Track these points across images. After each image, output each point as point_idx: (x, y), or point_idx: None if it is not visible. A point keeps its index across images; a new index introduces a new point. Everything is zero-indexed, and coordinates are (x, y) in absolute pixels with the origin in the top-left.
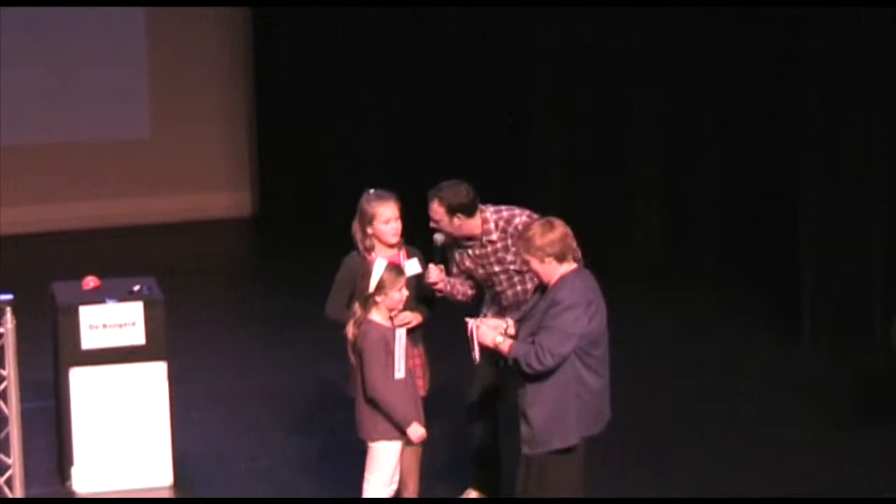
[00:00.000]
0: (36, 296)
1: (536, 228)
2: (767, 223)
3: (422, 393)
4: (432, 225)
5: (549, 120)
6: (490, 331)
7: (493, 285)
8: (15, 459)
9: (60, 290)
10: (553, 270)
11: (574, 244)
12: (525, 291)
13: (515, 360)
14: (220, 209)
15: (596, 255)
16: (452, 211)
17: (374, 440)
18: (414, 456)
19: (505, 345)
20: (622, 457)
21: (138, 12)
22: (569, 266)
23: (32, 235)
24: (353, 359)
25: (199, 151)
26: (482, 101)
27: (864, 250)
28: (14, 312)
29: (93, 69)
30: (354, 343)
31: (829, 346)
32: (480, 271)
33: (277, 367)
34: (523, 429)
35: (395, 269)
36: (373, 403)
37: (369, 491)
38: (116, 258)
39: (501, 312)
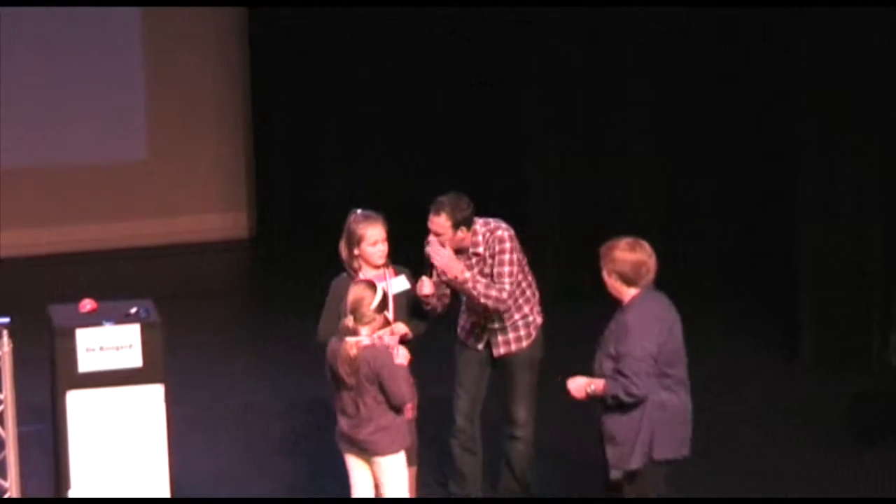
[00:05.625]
0: (32, 319)
1: (621, 242)
2: (765, 243)
3: (409, 416)
4: (432, 238)
5: (544, 130)
6: (580, 383)
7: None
8: (12, 483)
9: (57, 312)
10: (617, 289)
11: (648, 274)
12: (500, 300)
13: (614, 397)
14: (216, 231)
15: (593, 276)
16: (457, 225)
17: (393, 452)
18: (410, 475)
19: (598, 387)
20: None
21: (135, 35)
22: (636, 290)
23: (29, 258)
24: (349, 379)
25: (196, 173)
26: (481, 123)
27: (861, 270)
28: (11, 335)
29: (89, 92)
30: (354, 360)
31: (826, 367)
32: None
33: (275, 388)
34: (608, 451)
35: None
36: (396, 412)
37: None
38: (113, 281)
39: (478, 321)
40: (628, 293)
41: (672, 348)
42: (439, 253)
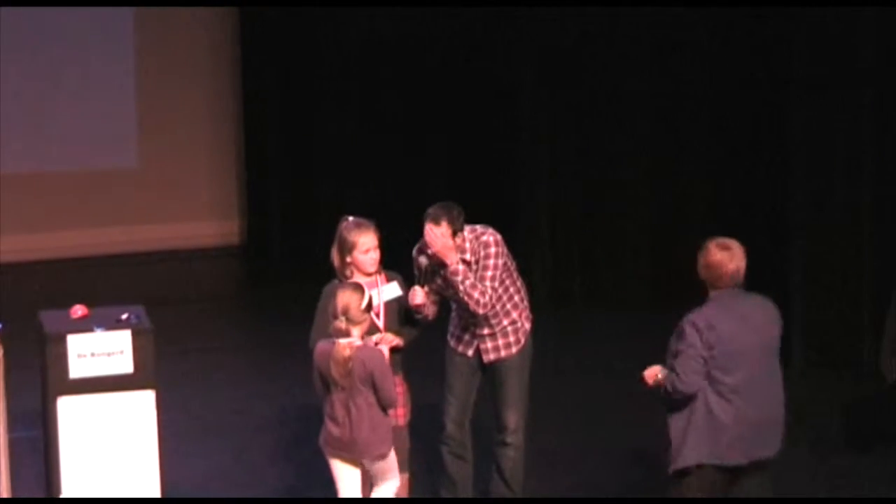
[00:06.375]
0: (23, 325)
1: (713, 241)
2: (757, 249)
3: (402, 422)
4: (427, 230)
5: (538, 122)
6: (653, 370)
7: (460, 302)
8: (2, 489)
9: (48, 318)
10: (705, 282)
11: (721, 280)
12: (480, 303)
13: (665, 390)
14: (208, 238)
15: (585, 282)
16: (455, 233)
17: (386, 452)
18: (403, 482)
19: (662, 377)
20: (614, 477)
21: (128, 43)
22: (715, 291)
23: (20, 264)
24: (343, 381)
25: (187, 180)
26: (475, 133)
27: (853, 277)
28: (1, 341)
29: (80, 100)
30: (348, 361)
31: (818, 373)
32: (451, 291)
33: (266, 395)
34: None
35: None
36: (384, 413)
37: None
38: (104, 287)
39: (467, 327)
40: (710, 293)
41: (727, 355)
42: (438, 240)
